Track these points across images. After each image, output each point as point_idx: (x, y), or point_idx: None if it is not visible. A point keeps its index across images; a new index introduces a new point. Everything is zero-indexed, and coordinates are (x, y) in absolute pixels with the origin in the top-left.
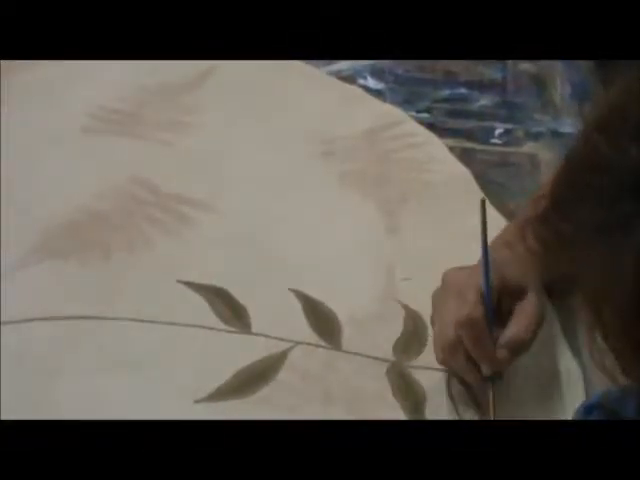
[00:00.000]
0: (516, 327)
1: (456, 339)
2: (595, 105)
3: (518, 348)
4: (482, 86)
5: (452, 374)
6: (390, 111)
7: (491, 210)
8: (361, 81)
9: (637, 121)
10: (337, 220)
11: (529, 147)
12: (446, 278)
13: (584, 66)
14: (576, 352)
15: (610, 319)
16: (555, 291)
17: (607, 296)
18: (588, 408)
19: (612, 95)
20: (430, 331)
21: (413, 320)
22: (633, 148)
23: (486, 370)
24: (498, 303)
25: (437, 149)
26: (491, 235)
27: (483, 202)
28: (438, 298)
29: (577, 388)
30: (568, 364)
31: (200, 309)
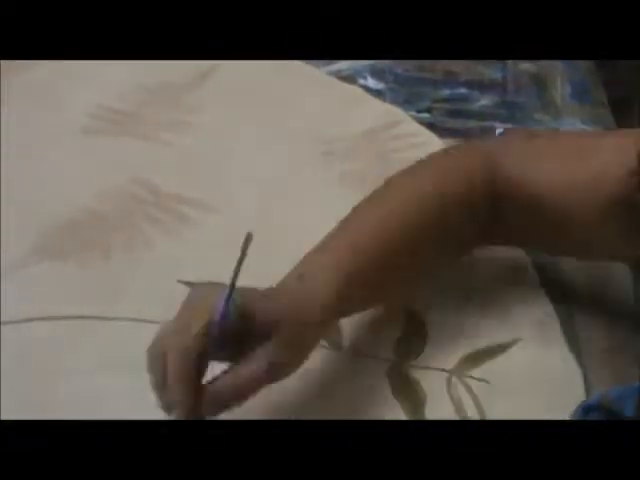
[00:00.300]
0: (231, 376)
1: (162, 355)
2: None
3: (228, 397)
4: (482, 86)
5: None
6: (390, 111)
7: None
8: (361, 81)
9: None
10: (337, 220)
11: None
12: (190, 294)
13: (584, 66)
14: (576, 352)
15: None
16: (555, 290)
17: None
18: (586, 409)
19: None
20: (430, 331)
21: (413, 320)
22: None
23: (180, 413)
24: (238, 335)
25: (437, 149)
26: None
27: (249, 236)
28: (181, 309)
29: (577, 388)
30: (568, 364)
31: None
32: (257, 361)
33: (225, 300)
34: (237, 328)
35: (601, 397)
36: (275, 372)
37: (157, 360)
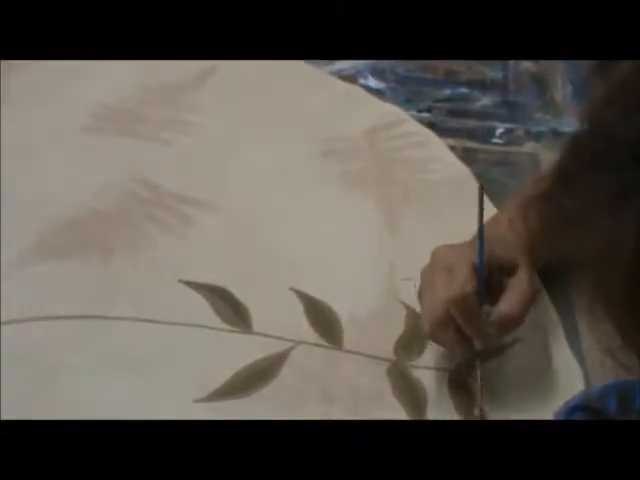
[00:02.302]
0: (507, 303)
1: (446, 315)
2: (601, 85)
3: (509, 324)
4: (483, 86)
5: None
6: (391, 111)
7: (492, 210)
8: (362, 81)
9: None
10: (338, 219)
11: (530, 147)
12: (435, 255)
13: (585, 66)
14: (576, 351)
15: (612, 289)
16: (555, 289)
17: (610, 265)
18: (570, 409)
19: (620, 73)
20: None
21: (414, 319)
22: (637, 118)
23: (479, 345)
24: (488, 279)
25: (438, 149)
26: None
27: (481, 187)
28: (427, 274)
29: (577, 388)
30: (568, 363)
31: (201, 308)
32: (516, 289)
33: (479, 248)
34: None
35: (584, 396)
36: (533, 293)
37: (442, 318)
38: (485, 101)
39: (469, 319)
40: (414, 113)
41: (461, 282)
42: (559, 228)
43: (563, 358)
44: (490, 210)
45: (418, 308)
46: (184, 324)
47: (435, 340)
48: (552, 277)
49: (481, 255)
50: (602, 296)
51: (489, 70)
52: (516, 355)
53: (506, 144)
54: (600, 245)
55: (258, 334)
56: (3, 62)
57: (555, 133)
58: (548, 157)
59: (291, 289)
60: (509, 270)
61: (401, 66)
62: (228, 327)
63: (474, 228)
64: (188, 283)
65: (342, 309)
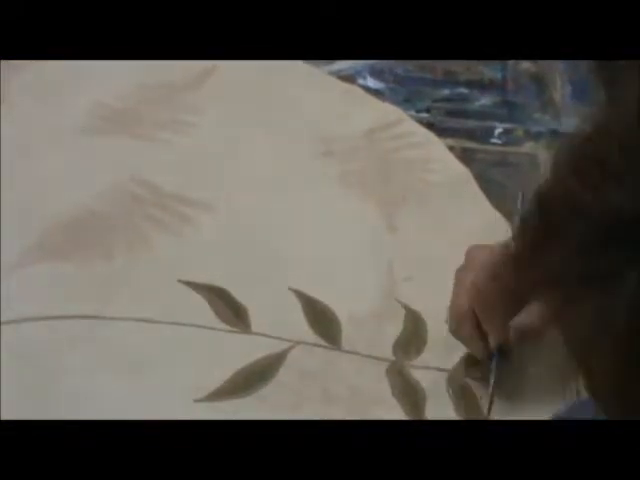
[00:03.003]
0: (529, 314)
1: (468, 308)
2: (567, 144)
3: (528, 334)
4: (482, 86)
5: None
6: (390, 111)
7: (491, 210)
8: (361, 81)
9: (616, 165)
10: (337, 220)
11: (529, 147)
12: (468, 254)
13: (584, 66)
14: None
15: (596, 371)
16: None
17: (593, 348)
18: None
19: (586, 137)
20: (430, 331)
21: (413, 320)
22: (613, 194)
23: (493, 342)
24: None
25: (437, 149)
26: (488, 237)
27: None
28: (459, 273)
29: (577, 388)
30: (568, 364)
31: (200, 309)
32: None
33: None
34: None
35: (567, 407)
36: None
37: (465, 312)
38: (484, 101)
39: (488, 313)
40: (413, 113)
41: (486, 279)
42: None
43: (562, 357)
44: (489, 210)
45: (417, 308)
46: (183, 324)
47: (455, 334)
48: None
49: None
50: (584, 378)
51: (488, 70)
52: (516, 355)
53: (505, 144)
54: (582, 328)
55: (257, 334)
56: (3, 62)
57: (554, 133)
58: (547, 157)
59: (290, 289)
60: None
61: (400, 66)
62: (227, 327)
63: (473, 228)
64: (187, 283)
65: (341, 309)
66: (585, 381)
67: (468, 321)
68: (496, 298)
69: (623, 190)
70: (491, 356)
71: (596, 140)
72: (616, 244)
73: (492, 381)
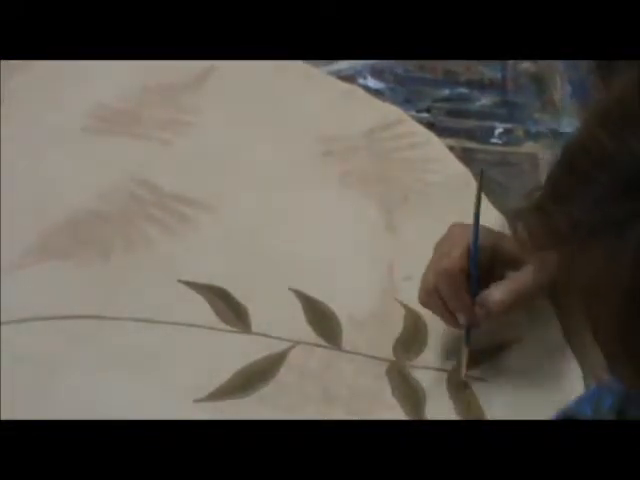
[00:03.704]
0: (498, 290)
1: (433, 285)
2: (599, 99)
3: (494, 308)
4: (482, 86)
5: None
6: (390, 111)
7: (491, 209)
8: (361, 81)
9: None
10: (337, 220)
11: (529, 147)
12: (449, 229)
13: (584, 66)
14: (576, 352)
15: (603, 319)
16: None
17: (601, 296)
18: None
19: (617, 89)
20: (430, 331)
21: (413, 320)
22: (636, 143)
23: (462, 320)
24: (491, 269)
25: (437, 149)
26: None
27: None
28: (437, 245)
29: (577, 388)
30: (568, 364)
31: (200, 309)
32: (515, 279)
33: (474, 229)
34: (486, 258)
35: (563, 412)
36: (531, 288)
37: (431, 288)
38: (484, 101)
39: (452, 294)
40: (413, 113)
41: (453, 258)
42: (547, 246)
43: (562, 357)
44: (489, 210)
45: (417, 308)
46: (183, 324)
47: (425, 306)
48: None
49: (476, 238)
50: (591, 326)
51: (488, 70)
52: (516, 355)
53: (505, 144)
54: (591, 272)
55: (257, 334)
56: (3, 62)
57: (554, 133)
58: (547, 157)
59: (290, 289)
60: (514, 265)
61: (400, 66)
62: (227, 327)
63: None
64: (187, 283)
65: (341, 309)
66: (591, 329)
67: (434, 296)
68: (462, 278)
69: None
70: (461, 328)
71: (625, 94)
72: (631, 193)
73: (464, 354)
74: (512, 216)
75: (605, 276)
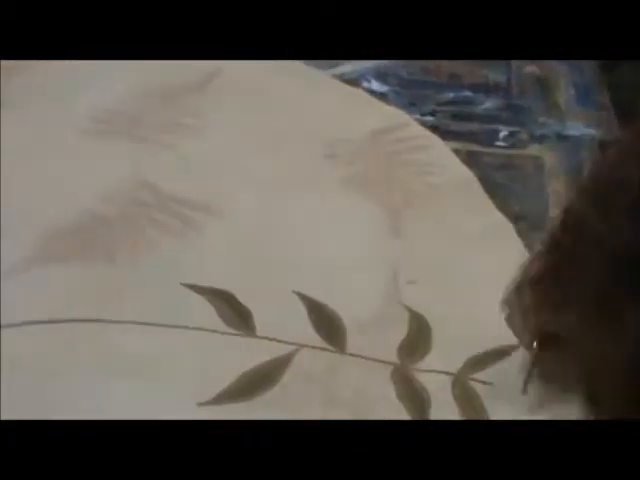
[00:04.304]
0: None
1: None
2: (590, 175)
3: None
4: (487, 89)
5: None
6: (394, 114)
7: (495, 213)
8: (365, 84)
9: (634, 199)
10: (341, 223)
11: (533, 150)
12: None
13: (588, 69)
14: None
15: (604, 398)
16: None
17: (602, 376)
18: None
19: (609, 169)
20: (435, 334)
21: (417, 323)
22: (627, 225)
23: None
24: None
25: (441, 152)
26: (492, 239)
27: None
28: None
29: None
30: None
31: (204, 312)
32: None
33: None
34: None
35: None
36: None
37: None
38: (488, 104)
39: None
40: (417, 116)
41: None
42: (548, 314)
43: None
44: (494, 213)
45: (421, 311)
46: (187, 327)
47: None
48: None
49: None
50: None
51: (492, 73)
52: (520, 357)
53: (509, 147)
54: (590, 346)
55: (261, 338)
56: (3, 62)
57: (558, 136)
58: (551, 160)
59: (294, 292)
60: None
61: (404, 69)
62: (231, 331)
63: (477, 230)
64: (191, 287)
65: (345, 312)
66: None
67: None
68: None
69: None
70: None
71: (618, 168)
72: (628, 277)
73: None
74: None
75: (603, 352)
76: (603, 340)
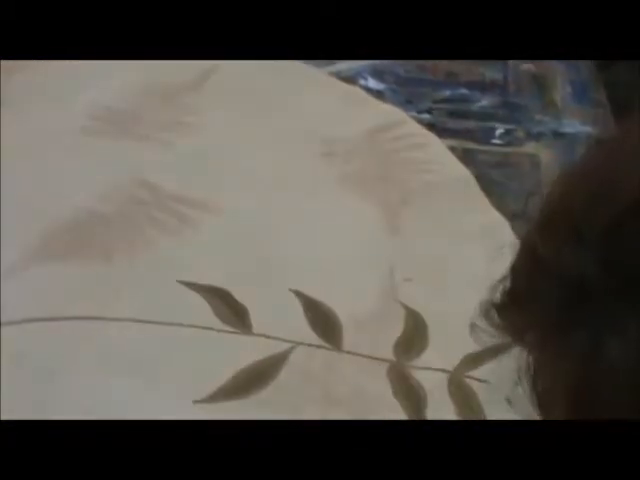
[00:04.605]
0: None
1: None
2: (541, 206)
3: None
4: (483, 86)
5: None
6: (391, 112)
7: (492, 211)
8: (362, 82)
9: (582, 220)
10: (338, 221)
11: (530, 147)
12: None
13: (585, 67)
14: None
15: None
16: None
17: (552, 392)
18: None
19: (553, 194)
20: (431, 331)
21: (414, 320)
22: (566, 248)
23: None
24: None
25: (438, 149)
26: (488, 237)
27: None
28: None
29: None
30: None
31: (201, 310)
32: None
33: None
34: None
35: None
36: None
37: None
38: (485, 102)
39: None
40: (414, 114)
41: None
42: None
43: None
44: (489, 211)
45: (418, 309)
46: (184, 325)
47: None
48: None
49: None
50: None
51: (489, 71)
52: (516, 356)
53: (506, 145)
54: (545, 373)
55: (258, 335)
56: (3, 62)
57: (555, 134)
58: (548, 158)
59: (291, 290)
60: None
61: (401, 67)
62: (228, 328)
63: (474, 228)
64: (188, 284)
65: (342, 310)
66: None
67: None
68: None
69: (586, 249)
70: None
71: (565, 190)
72: (582, 306)
73: None
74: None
75: (554, 375)
76: (555, 359)
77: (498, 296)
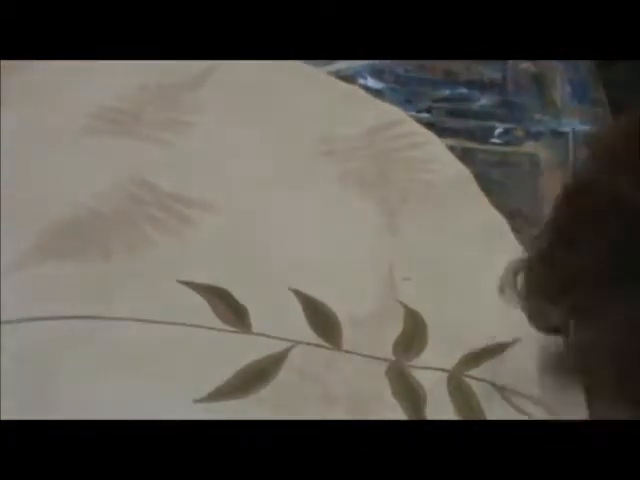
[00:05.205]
0: None
1: None
2: (609, 136)
3: None
4: (482, 86)
5: None
6: (390, 111)
7: (491, 210)
8: (361, 81)
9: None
10: (337, 220)
11: (529, 147)
12: None
13: (584, 66)
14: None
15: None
16: None
17: (626, 351)
18: None
19: (633, 130)
20: (430, 331)
21: (413, 320)
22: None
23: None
24: None
25: (437, 149)
26: (488, 236)
27: None
28: None
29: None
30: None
31: (200, 309)
32: None
33: None
34: None
35: None
36: None
37: None
38: (484, 101)
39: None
40: (413, 113)
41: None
42: (552, 297)
43: (561, 357)
44: (489, 210)
45: (417, 308)
46: (183, 324)
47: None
48: None
49: None
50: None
51: (488, 70)
52: (515, 354)
53: (505, 144)
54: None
55: (257, 334)
56: (3, 62)
57: (554, 133)
58: (547, 157)
59: (290, 289)
60: None
61: (400, 66)
62: (227, 327)
63: (473, 228)
64: (187, 283)
65: (341, 309)
66: (595, 382)
67: None
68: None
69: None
70: None
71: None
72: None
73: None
74: (516, 267)
75: (628, 334)
76: (626, 313)
77: (542, 247)
